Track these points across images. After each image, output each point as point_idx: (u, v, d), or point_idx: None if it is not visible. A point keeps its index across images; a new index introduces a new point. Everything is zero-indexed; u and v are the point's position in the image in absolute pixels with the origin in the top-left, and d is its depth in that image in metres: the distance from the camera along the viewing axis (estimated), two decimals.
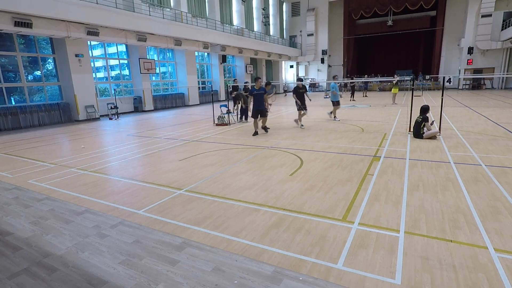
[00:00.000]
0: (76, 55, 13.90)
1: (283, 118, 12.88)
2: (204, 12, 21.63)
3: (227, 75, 27.63)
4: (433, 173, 5.02)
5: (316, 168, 5.54)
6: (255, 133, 9.04)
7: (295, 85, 10.46)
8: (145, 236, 3.24)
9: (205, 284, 2.43)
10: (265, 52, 27.92)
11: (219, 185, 4.79)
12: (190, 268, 2.63)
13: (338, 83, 11.68)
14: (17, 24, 10.60)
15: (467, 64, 27.59)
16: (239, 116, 12.43)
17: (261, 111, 8.97)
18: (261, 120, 9.43)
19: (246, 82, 14.35)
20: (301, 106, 10.09)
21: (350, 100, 20.27)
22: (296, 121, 10.53)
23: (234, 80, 15.26)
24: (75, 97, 14.06)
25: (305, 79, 34.91)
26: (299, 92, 10.12)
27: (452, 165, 5.41)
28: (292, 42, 35.19)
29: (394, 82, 17.96)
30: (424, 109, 7.72)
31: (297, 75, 36.21)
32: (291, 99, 24.12)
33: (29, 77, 13.55)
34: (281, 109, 16.63)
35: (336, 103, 11.44)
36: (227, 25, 23.76)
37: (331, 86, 11.53)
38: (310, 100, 10.66)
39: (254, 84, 9.12)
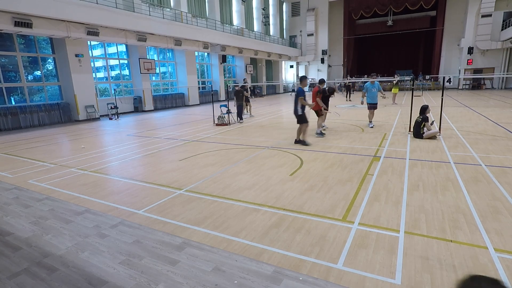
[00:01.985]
0: (76, 55, 13.90)
1: (283, 118, 12.88)
2: (204, 12, 21.63)
3: (227, 75, 27.62)
4: (433, 173, 5.02)
5: (316, 168, 5.54)
6: (304, 142, 7.52)
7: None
8: (145, 236, 3.23)
9: (205, 284, 2.43)
10: (265, 52, 27.92)
11: (219, 185, 4.79)
12: (190, 268, 2.63)
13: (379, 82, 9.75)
14: (17, 24, 10.60)
15: (467, 64, 27.59)
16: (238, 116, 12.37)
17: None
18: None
19: (245, 82, 14.40)
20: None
21: (347, 100, 20.31)
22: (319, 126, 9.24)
23: (244, 80, 15.34)
24: (75, 97, 14.05)
25: None
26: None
27: (452, 165, 5.41)
28: (292, 42, 35.18)
29: (394, 82, 17.98)
30: (423, 109, 7.74)
31: (297, 75, 36.18)
32: (290, 98, 24.20)
33: (29, 77, 13.55)
34: (281, 109, 16.63)
35: (370, 107, 9.72)
36: (227, 25, 23.75)
37: (365, 86, 9.72)
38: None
39: (300, 83, 7.64)
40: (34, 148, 8.43)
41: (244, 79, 15.89)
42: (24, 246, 3.13)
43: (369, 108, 9.77)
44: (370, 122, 9.86)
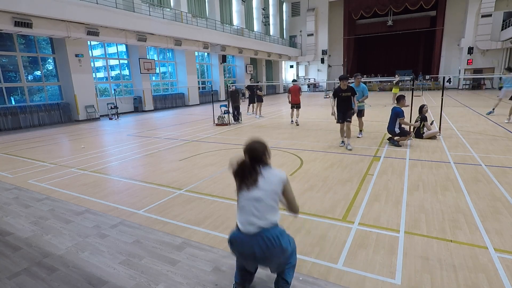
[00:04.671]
0: (76, 55, 13.90)
1: (283, 118, 12.87)
2: (204, 12, 21.63)
3: (227, 75, 27.62)
4: (433, 173, 5.01)
5: (316, 168, 5.54)
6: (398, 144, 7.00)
7: (337, 86, 7.00)
8: (145, 236, 3.23)
9: (205, 284, 2.43)
10: (265, 52, 27.91)
11: (219, 185, 4.78)
12: (190, 268, 2.63)
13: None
14: (17, 24, 10.59)
15: (467, 64, 27.58)
16: (238, 116, 12.21)
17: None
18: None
19: (257, 82, 14.35)
20: (343, 117, 6.89)
21: None
22: (343, 142, 7.26)
23: (250, 80, 15.34)
24: (75, 97, 14.05)
25: (305, 79, 34.83)
26: (342, 97, 6.79)
27: (452, 165, 5.41)
28: (292, 42, 35.17)
29: (394, 82, 17.97)
30: (419, 108, 7.83)
31: (297, 75, 36.15)
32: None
33: (29, 77, 13.55)
34: (281, 109, 16.63)
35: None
36: (227, 25, 23.75)
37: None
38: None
39: (397, 103, 6.97)
40: (34, 148, 8.43)
41: (250, 79, 15.83)
42: (24, 246, 3.13)
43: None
44: (360, 131, 8.29)
